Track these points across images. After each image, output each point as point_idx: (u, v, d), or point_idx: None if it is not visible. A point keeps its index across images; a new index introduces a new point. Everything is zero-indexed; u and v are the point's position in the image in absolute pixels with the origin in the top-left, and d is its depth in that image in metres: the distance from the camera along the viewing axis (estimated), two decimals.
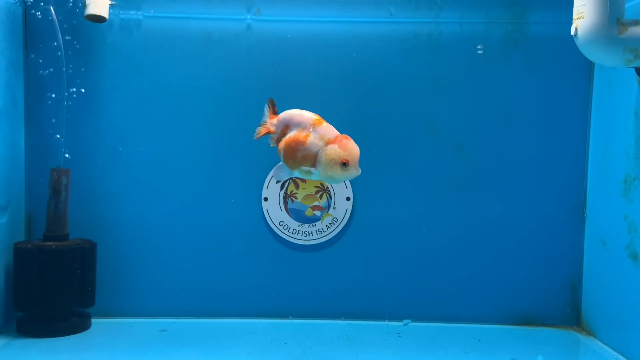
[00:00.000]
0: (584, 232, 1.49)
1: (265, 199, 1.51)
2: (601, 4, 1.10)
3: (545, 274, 1.49)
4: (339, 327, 1.46)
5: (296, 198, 1.52)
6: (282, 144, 1.10)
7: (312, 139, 1.06)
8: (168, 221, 1.49)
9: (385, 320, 1.51)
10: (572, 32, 1.15)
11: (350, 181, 1.51)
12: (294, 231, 1.52)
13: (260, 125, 1.13)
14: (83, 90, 1.47)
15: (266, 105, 1.13)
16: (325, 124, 1.07)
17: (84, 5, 1.36)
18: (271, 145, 1.14)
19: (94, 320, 1.43)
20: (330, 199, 1.52)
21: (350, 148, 1.05)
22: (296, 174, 1.11)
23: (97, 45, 1.47)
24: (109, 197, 1.48)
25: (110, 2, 1.39)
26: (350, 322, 1.50)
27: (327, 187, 1.52)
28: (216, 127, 1.50)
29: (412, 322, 1.50)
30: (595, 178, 1.46)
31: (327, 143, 1.05)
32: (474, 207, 1.50)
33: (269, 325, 1.47)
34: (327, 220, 1.52)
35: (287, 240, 1.51)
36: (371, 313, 1.51)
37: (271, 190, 1.51)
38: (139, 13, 1.48)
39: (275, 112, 1.15)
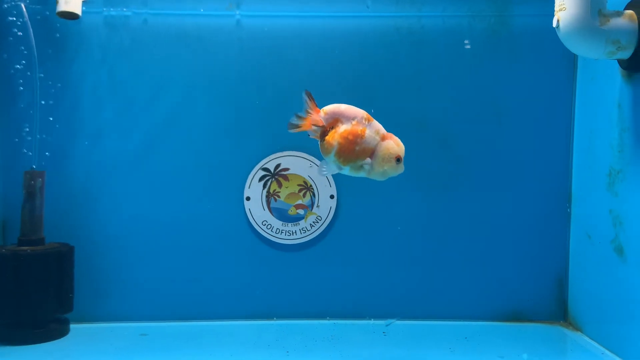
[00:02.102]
0: (569, 226, 1.48)
1: (248, 199, 1.48)
2: None
3: (532, 269, 1.48)
4: (324, 327, 1.44)
5: (279, 197, 1.49)
6: (335, 137, 1.06)
7: (370, 133, 1.06)
8: (147, 222, 1.46)
9: (370, 319, 1.49)
10: (554, 24, 1.13)
11: (334, 178, 1.49)
12: (278, 230, 1.49)
13: (300, 118, 1.08)
14: (56, 89, 1.43)
15: (306, 97, 1.08)
16: (375, 121, 1.09)
17: (56, 2, 1.32)
18: (311, 137, 1.10)
19: (72, 326, 1.39)
20: (314, 197, 1.49)
21: (402, 145, 1.08)
22: (346, 169, 1.09)
23: (70, 43, 1.43)
24: (86, 199, 1.45)
25: None
26: (335, 321, 1.48)
27: (310, 185, 1.49)
28: (196, 126, 1.46)
29: (397, 320, 1.48)
30: (580, 171, 1.44)
31: (382, 138, 1.06)
32: (460, 203, 1.48)
33: (253, 327, 1.44)
34: (311, 218, 1.49)
35: (271, 240, 1.49)
36: (357, 312, 1.49)
37: (253, 189, 1.48)
38: (114, 10, 1.44)
39: (317, 105, 1.11)
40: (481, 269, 1.49)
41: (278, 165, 1.48)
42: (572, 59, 1.45)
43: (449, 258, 1.49)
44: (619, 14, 1.12)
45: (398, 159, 1.06)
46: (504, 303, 1.49)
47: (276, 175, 1.49)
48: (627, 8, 1.15)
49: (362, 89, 1.47)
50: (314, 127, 1.10)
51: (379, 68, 1.47)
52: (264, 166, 1.48)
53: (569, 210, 1.47)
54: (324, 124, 1.09)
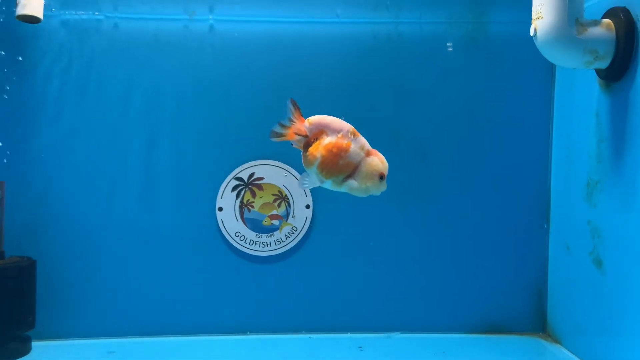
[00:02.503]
0: (548, 236, 1.46)
1: (220, 209, 1.43)
2: (560, 3, 1.07)
3: (510, 280, 1.46)
4: (299, 342, 1.40)
5: (253, 207, 1.45)
6: (319, 149, 1.03)
7: (354, 148, 1.03)
8: (114, 234, 1.41)
9: (347, 333, 1.45)
10: (532, 33, 1.11)
11: (311, 188, 1.45)
12: (251, 242, 1.44)
13: (283, 127, 1.04)
14: (17, 95, 1.37)
15: (291, 106, 1.04)
16: (361, 136, 1.05)
17: (17, 5, 1.26)
18: (294, 146, 1.06)
19: (34, 344, 1.32)
20: (289, 207, 1.45)
21: (386, 163, 1.06)
22: (328, 183, 1.06)
23: (31, 48, 1.37)
24: (49, 210, 1.38)
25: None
26: (311, 335, 1.44)
27: (286, 195, 1.45)
28: (166, 133, 1.41)
29: (371, 333, 1.45)
30: (558, 181, 1.43)
31: (367, 154, 1.03)
32: (436, 213, 1.45)
33: (226, 342, 1.40)
34: (286, 229, 1.45)
35: (244, 252, 1.44)
36: (333, 326, 1.45)
37: (226, 200, 1.43)
38: (85, 13, 1.38)
39: (302, 114, 1.07)
40: (459, 280, 1.46)
41: (252, 175, 1.44)
42: (551, 67, 1.43)
43: (426, 269, 1.46)
44: (596, 23, 1.10)
45: (381, 177, 1.04)
46: (482, 315, 1.46)
47: (250, 185, 1.44)
48: (604, 17, 1.13)
49: (337, 96, 1.43)
50: (297, 137, 1.06)
51: (355, 75, 1.44)
52: (237, 175, 1.43)
53: (545, 226, 1.46)
54: (308, 134, 1.05)
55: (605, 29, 1.09)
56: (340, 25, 1.43)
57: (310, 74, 1.43)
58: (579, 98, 1.32)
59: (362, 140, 1.05)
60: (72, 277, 1.39)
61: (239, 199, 1.44)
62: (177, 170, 1.42)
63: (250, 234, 1.44)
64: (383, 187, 1.06)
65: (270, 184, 1.44)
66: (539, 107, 1.45)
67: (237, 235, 1.44)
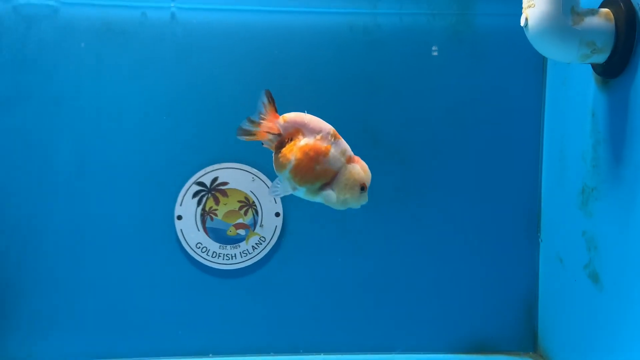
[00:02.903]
0: (539, 248, 1.36)
1: (179, 217, 1.30)
2: None
3: (498, 295, 1.36)
4: None
5: (216, 215, 1.31)
6: (293, 151, 0.91)
7: (334, 153, 0.92)
8: (60, 246, 1.28)
9: (320, 354, 1.33)
10: (522, 23, 1.01)
11: None
12: (214, 254, 1.31)
13: (253, 123, 0.93)
14: None
15: (265, 99, 0.93)
16: (342, 139, 0.94)
17: None
18: (265, 146, 0.95)
19: None
20: (257, 215, 1.32)
21: (369, 172, 0.95)
22: (301, 191, 0.94)
23: None
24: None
25: None
26: (280, 357, 1.33)
27: (253, 202, 1.32)
28: (120, 133, 1.28)
29: (347, 354, 1.34)
30: (550, 187, 1.32)
31: (348, 161, 0.92)
32: (418, 222, 1.35)
33: None
34: (253, 240, 1.32)
35: (206, 265, 1.31)
36: (305, 347, 1.34)
37: (186, 207, 1.30)
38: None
39: (276, 110, 0.95)
40: (442, 296, 1.36)
41: (215, 179, 1.31)
42: (542, 62, 1.33)
43: (407, 284, 1.35)
44: (593, 12, 0.99)
45: (362, 188, 0.93)
46: (468, 333, 1.36)
47: (213, 191, 1.31)
48: (602, 6, 1.03)
49: (309, 93, 1.31)
50: (269, 136, 0.93)
51: (329, 70, 1.32)
52: (199, 180, 1.30)
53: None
54: (282, 132, 0.93)
55: (603, 18, 0.99)
56: (313, 15, 1.32)
57: (280, 68, 1.31)
58: (573, 96, 1.21)
59: (344, 144, 0.93)
60: (14, 298, 1.26)
61: (201, 207, 1.31)
62: (130, 174, 1.29)
63: (213, 245, 1.31)
64: (364, 199, 0.95)
65: (236, 189, 1.31)
66: (528, 106, 1.35)
67: (198, 246, 1.31)
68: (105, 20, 1.26)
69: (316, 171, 0.91)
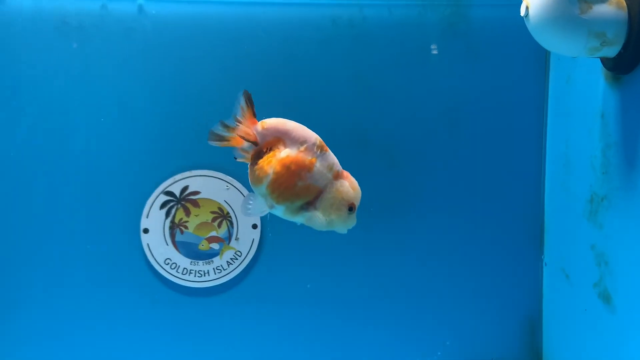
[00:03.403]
0: (542, 262, 1.25)
1: (145, 231, 1.18)
2: None
3: (498, 313, 1.26)
4: None
5: (187, 228, 1.20)
6: (272, 163, 0.80)
7: (320, 167, 0.81)
8: (13, 263, 1.17)
9: None
10: (522, 13, 0.90)
11: None
12: (185, 271, 1.20)
13: (227, 127, 0.83)
14: None
15: (243, 101, 0.82)
16: (329, 151, 0.83)
17: None
18: (239, 160, 0.84)
19: None
20: (232, 227, 1.21)
21: (359, 190, 0.84)
22: (279, 209, 0.83)
23: None
24: None
25: None
26: None
27: (227, 213, 1.21)
28: (80, 138, 1.17)
29: None
30: (554, 196, 1.21)
31: (336, 177, 0.82)
32: (410, 233, 1.24)
33: None
34: (228, 254, 1.21)
35: (176, 283, 1.20)
36: None
37: (153, 219, 1.18)
38: None
39: (255, 114, 0.84)
40: (437, 312, 1.26)
41: (185, 188, 1.19)
42: (544, 57, 1.23)
43: (399, 301, 1.25)
44: None
45: (351, 208, 0.82)
46: (465, 352, 1.26)
47: (183, 201, 1.19)
48: None
49: (289, 93, 1.20)
50: (245, 146, 0.82)
51: (311, 68, 1.21)
52: (167, 189, 1.19)
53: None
54: (259, 141, 0.82)
55: (614, 6, 0.88)
56: (292, 7, 1.21)
57: (257, 66, 1.20)
58: (580, 94, 1.10)
59: (332, 157, 0.83)
60: None
61: (170, 218, 1.19)
62: (89, 183, 1.18)
63: (184, 261, 1.20)
64: (352, 222, 0.84)
65: (208, 199, 1.20)
66: (530, 106, 1.24)
67: (167, 262, 1.19)
68: (59, 14, 1.15)
69: (298, 188, 0.80)
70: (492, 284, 1.26)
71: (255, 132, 0.82)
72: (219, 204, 1.20)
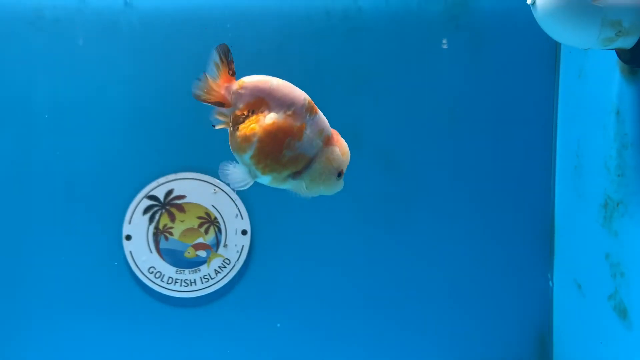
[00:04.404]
0: (552, 269, 1.17)
1: (128, 237, 1.12)
2: None
3: (506, 325, 1.18)
4: None
5: (172, 234, 1.13)
6: (255, 130, 0.70)
7: (310, 134, 0.71)
8: None
9: None
10: (529, 1, 0.83)
11: (247, 208, 1.15)
12: (170, 280, 1.13)
13: (204, 85, 0.71)
14: None
15: (216, 55, 0.71)
16: (319, 112, 0.73)
17: None
18: (218, 127, 0.73)
19: None
20: (220, 233, 1.14)
21: (348, 152, 0.76)
22: (266, 178, 0.73)
23: None
24: None
25: None
26: None
27: (215, 218, 1.14)
28: (54, 139, 1.11)
29: None
30: (565, 199, 1.13)
31: (326, 142, 0.73)
32: (410, 237, 1.17)
33: None
34: (215, 262, 1.14)
35: (161, 293, 1.14)
36: None
37: (136, 225, 1.12)
38: None
39: (233, 72, 0.72)
40: (441, 323, 1.18)
41: (170, 192, 1.12)
42: (554, 49, 1.14)
43: (399, 312, 1.18)
44: None
45: (340, 174, 0.74)
46: None
47: (167, 205, 1.13)
48: None
49: None
50: (219, 108, 0.71)
51: (304, 63, 1.14)
52: (151, 193, 1.12)
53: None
54: (233, 104, 0.71)
55: None
56: None
57: (247, 61, 1.12)
58: (593, 91, 1.01)
59: (322, 121, 0.73)
60: None
61: (153, 224, 1.12)
62: (68, 186, 1.11)
63: (169, 270, 1.13)
64: (339, 186, 0.76)
65: (195, 203, 1.13)
66: (538, 103, 1.16)
67: (151, 271, 1.13)
68: (36, 7, 1.08)
69: (286, 159, 0.71)
70: (499, 295, 1.18)
71: (235, 94, 0.71)
72: (206, 208, 1.13)
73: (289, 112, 0.71)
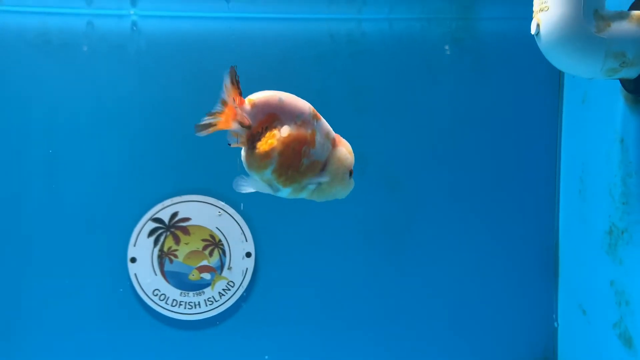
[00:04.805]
0: (557, 295, 1.16)
1: (133, 260, 1.12)
2: None
3: (508, 350, 1.17)
4: None
5: (176, 257, 1.13)
6: (275, 145, 0.71)
7: (320, 139, 0.74)
8: None
9: None
10: (533, 31, 0.82)
11: (252, 230, 1.15)
12: (175, 302, 1.13)
13: (215, 113, 0.71)
14: None
15: (228, 79, 0.71)
16: (322, 117, 0.76)
17: None
18: (233, 145, 0.73)
19: None
20: (224, 256, 1.14)
21: (351, 149, 0.79)
22: (285, 192, 0.75)
23: None
24: None
25: None
26: None
27: (219, 241, 1.14)
28: (56, 162, 1.11)
29: None
30: (569, 226, 1.12)
31: (333, 144, 0.76)
32: (414, 261, 1.16)
33: None
34: (220, 285, 1.14)
35: (165, 315, 1.13)
36: None
37: (141, 248, 1.12)
38: None
39: (241, 94, 0.73)
40: (445, 348, 1.17)
41: (175, 214, 1.13)
42: (558, 77, 1.14)
43: (400, 336, 1.17)
44: (623, 15, 0.80)
45: (350, 173, 0.78)
46: None
47: (172, 228, 1.13)
48: (633, 7, 0.84)
49: None
50: (235, 127, 0.71)
51: (308, 85, 1.14)
52: (156, 216, 1.12)
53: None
54: (248, 123, 0.71)
55: (635, 23, 0.79)
56: (287, 22, 1.14)
57: (252, 83, 1.11)
58: (597, 118, 1.01)
59: (326, 124, 0.76)
60: None
61: (158, 247, 1.13)
62: (74, 209, 1.11)
63: (173, 292, 1.13)
64: (351, 186, 0.79)
65: (199, 226, 1.13)
66: (542, 129, 1.16)
67: (155, 293, 1.13)
68: (40, 31, 1.09)
69: (304, 167, 0.73)
70: (503, 319, 1.17)
71: (247, 113, 0.71)
72: (211, 231, 1.14)
73: (299, 122, 0.72)
